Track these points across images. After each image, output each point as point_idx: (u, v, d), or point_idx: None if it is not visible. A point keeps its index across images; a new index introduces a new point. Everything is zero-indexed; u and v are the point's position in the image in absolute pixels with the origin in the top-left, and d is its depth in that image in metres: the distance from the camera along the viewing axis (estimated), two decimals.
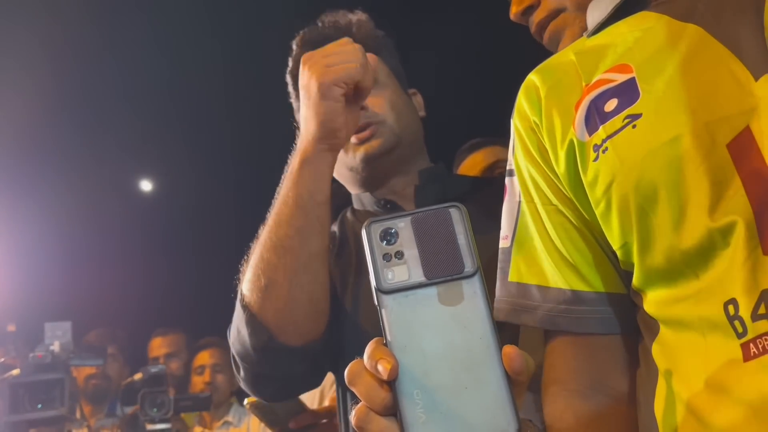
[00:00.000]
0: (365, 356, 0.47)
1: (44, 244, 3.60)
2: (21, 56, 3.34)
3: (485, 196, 1.17)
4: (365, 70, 0.97)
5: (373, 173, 1.14)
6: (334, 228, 1.21)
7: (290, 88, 1.24)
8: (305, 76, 0.98)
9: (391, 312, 0.47)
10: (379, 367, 0.45)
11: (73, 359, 2.08)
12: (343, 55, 0.97)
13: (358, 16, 1.21)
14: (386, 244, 0.48)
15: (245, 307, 0.98)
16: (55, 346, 2.06)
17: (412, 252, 0.48)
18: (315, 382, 1.10)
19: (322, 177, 0.98)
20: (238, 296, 1.00)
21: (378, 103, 1.13)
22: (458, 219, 0.48)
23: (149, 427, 2.19)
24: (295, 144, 1.03)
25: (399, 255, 0.48)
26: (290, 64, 1.22)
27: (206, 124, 3.97)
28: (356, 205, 1.23)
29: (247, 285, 0.99)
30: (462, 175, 1.60)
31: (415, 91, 1.27)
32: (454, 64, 3.55)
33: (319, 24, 1.20)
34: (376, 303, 0.47)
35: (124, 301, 3.59)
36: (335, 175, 1.21)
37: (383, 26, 1.24)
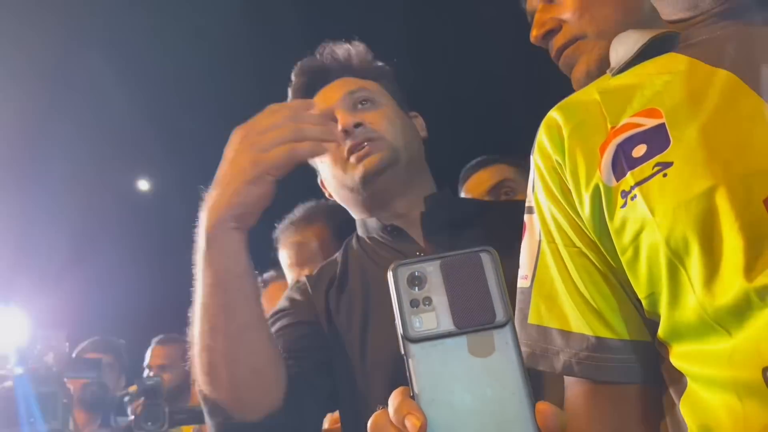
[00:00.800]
0: (391, 409, 0.44)
1: (41, 248, 3.55)
2: (17, 55, 3.30)
3: (492, 220, 1.15)
4: (303, 147, 0.90)
5: (374, 192, 1.11)
6: (338, 257, 1.19)
7: None
8: (233, 152, 0.92)
9: (419, 362, 0.45)
10: (407, 423, 0.43)
11: (66, 371, 2.05)
12: (278, 133, 0.90)
13: (355, 47, 1.19)
14: (414, 290, 0.46)
15: (199, 391, 0.94)
16: (49, 357, 2.03)
17: (441, 299, 0.46)
18: None
19: (236, 252, 0.91)
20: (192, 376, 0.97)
21: (375, 120, 1.11)
22: (489, 264, 0.46)
23: None
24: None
25: (427, 301, 0.46)
26: (290, 95, 1.20)
27: (209, 124, 3.91)
28: (360, 232, 1.20)
29: (194, 368, 0.95)
30: (468, 199, 1.58)
31: (416, 114, 1.25)
32: (456, 85, 3.54)
33: (317, 56, 1.19)
34: (402, 351, 0.45)
35: (123, 308, 3.54)
36: (336, 198, 1.18)
37: (387, 51, 1.23)
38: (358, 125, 1.09)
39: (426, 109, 1.28)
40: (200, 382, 0.94)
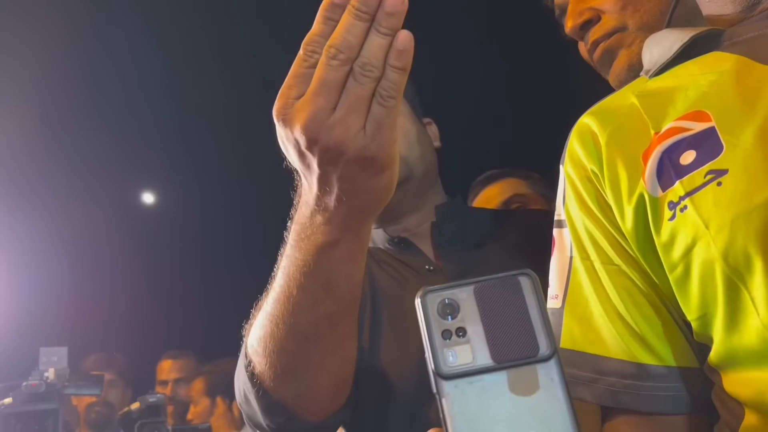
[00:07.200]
0: None
1: (43, 263, 3.51)
2: (20, 67, 3.28)
3: (507, 231, 1.09)
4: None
5: (384, 208, 1.05)
6: None
7: None
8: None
9: (454, 402, 0.39)
10: None
11: (68, 388, 2.00)
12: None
13: None
14: (446, 319, 0.41)
15: (256, 382, 0.83)
16: (50, 373, 1.98)
17: (476, 329, 0.41)
18: None
19: (361, 255, 0.76)
20: (244, 359, 0.86)
21: None
22: (529, 289, 0.41)
23: None
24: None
25: (461, 332, 0.41)
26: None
27: (215, 137, 3.86)
28: None
29: (256, 358, 0.83)
30: (481, 209, 1.52)
31: (430, 120, 1.18)
32: (469, 92, 3.48)
33: None
34: (434, 390, 0.40)
35: (126, 323, 3.48)
36: None
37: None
38: None
39: (438, 116, 1.22)
40: (264, 379, 0.82)
